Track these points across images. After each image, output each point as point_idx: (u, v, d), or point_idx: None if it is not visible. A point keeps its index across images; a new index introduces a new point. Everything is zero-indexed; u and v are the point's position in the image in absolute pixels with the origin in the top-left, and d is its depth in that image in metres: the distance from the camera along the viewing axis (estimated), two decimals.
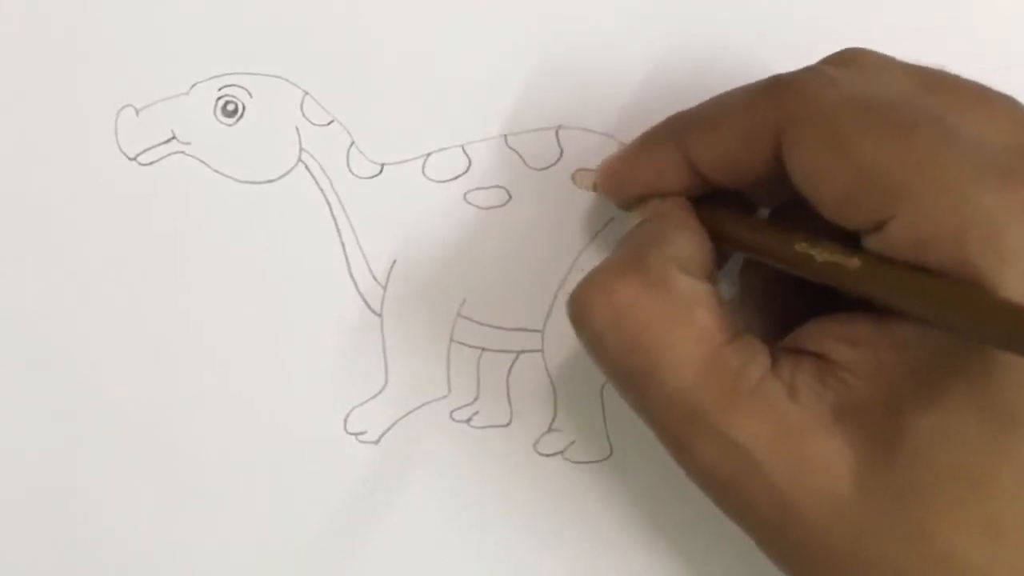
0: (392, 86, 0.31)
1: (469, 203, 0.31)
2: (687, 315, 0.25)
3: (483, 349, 0.31)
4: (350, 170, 0.30)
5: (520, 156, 0.30)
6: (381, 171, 0.31)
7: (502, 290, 0.30)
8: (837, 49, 0.26)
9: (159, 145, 0.30)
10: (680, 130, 0.27)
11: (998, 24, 0.31)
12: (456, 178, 0.31)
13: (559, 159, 0.30)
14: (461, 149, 0.30)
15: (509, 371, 0.31)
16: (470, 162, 0.30)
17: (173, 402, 0.30)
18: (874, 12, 0.30)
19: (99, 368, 0.30)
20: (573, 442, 0.31)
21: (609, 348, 0.25)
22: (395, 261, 0.31)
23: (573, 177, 0.30)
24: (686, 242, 0.26)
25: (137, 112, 0.30)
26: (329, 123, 0.30)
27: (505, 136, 0.30)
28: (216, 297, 0.30)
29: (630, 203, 0.28)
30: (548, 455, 0.31)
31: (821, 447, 0.23)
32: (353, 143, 0.30)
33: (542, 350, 0.31)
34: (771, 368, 0.24)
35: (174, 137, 0.30)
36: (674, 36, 0.30)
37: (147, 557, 0.30)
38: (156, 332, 0.30)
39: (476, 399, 0.31)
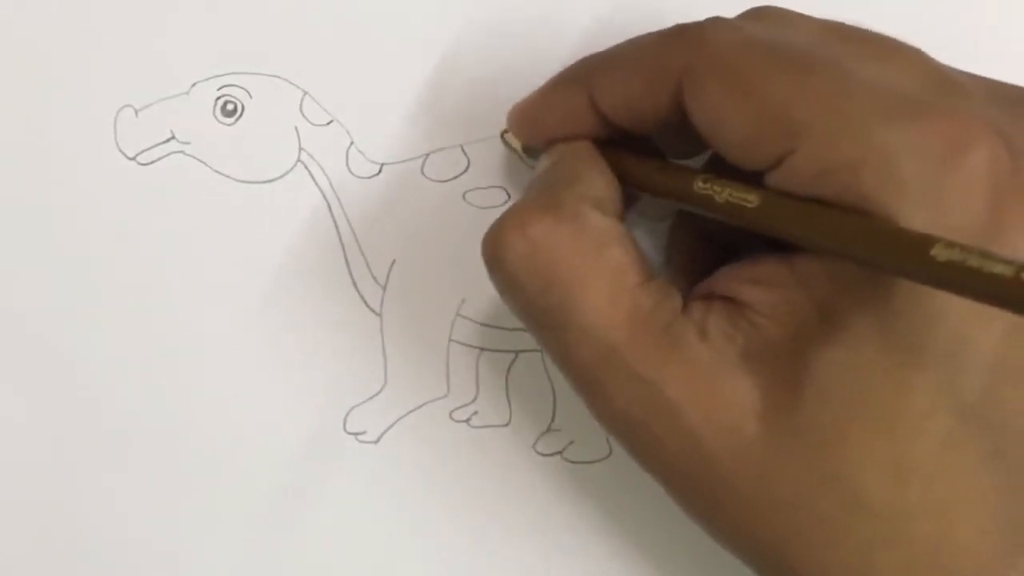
0: (392, 86, 0.31)
1: (468, 203, 0.31)
2: (601, 252, 0.25)
3: (482, 349, 0.31)
4: (349, 170, 0.30)
5: (519, 156, 0.30)
6: (380, 171, 0.31)
7: None
8: None
9: (158, 145, 0.30)
10: (587, 72, 0.27)
11: None
12: (455, 178, 0.31)
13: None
14: (460, 149, 0.31)
15: (508, 371, 0.31)
16: (469, 162, 0.30)
17: (172, 402, 0.30)
18: None
19: (98, 368, 0.30)
20: (572, 442, 0.31)
21: (525, 286, 0.25)
22: (395, 261, 0.31)
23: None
24: (598, 181, 0.26)
25: (136, 112, 0.30)
26: (328, 123, 0.30)
27: (504, 136, 0.30)
28: (215, 297, 0.30)
29: (538, 146, 0.28)
30: (547, 455, 0.31)
31: (730, 388, 0.24)
32: (352, 143, 0.30)
33: (541, 350, 0.31)
34: (683, 311, 0.25)
35: (173, 137, 0.30)
36: None
37: (146, 557, 0.30)
38: (154, 331, 0.30)
39: (475, 399, 0.31)
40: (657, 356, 0.24)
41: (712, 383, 0.24)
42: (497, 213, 0.30)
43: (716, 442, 0.23)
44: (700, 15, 0.26)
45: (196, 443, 0.30)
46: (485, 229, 0.30)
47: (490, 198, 0.31)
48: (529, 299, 0.25)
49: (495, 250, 0.25)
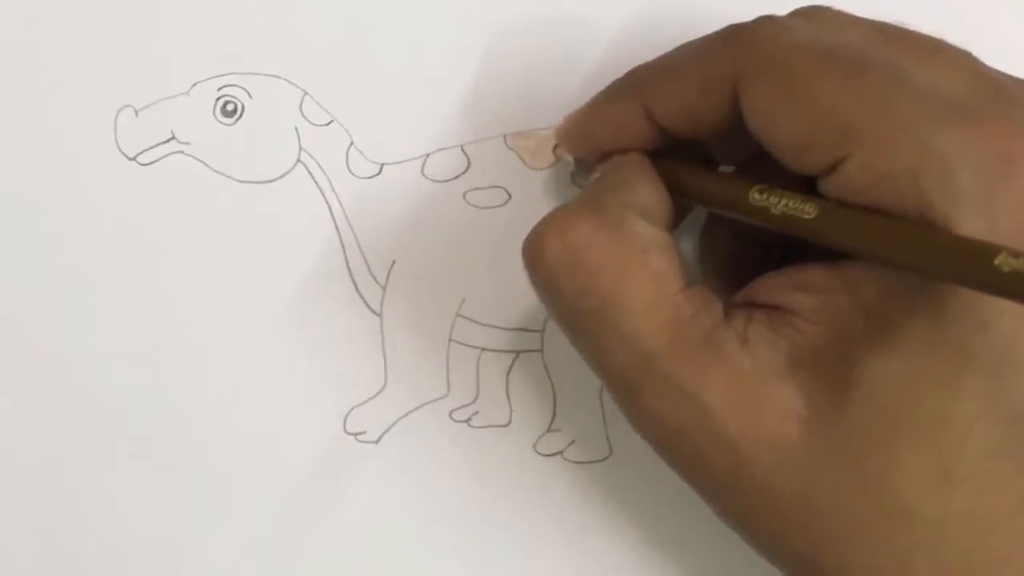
0: (392, 86, 0.31)
1: (468, 203, 0.31)
2: (642, 259, 0.25)
3: (482, 349, 0.31)
4: (349, 170, 0.30)
5: (520, 156, 0.30)
6: (380, 171, 0.31)
7: (502, 290, 0.30)
8: None
9: (158, 145, 0.30)
10: (639, 83, 0.27)
11: None
12: (456, 178, 0.31)
13: (558, 159, 0.30)
14: (460, 149, 0.30)
15: (509, 371, 0.31)
16: (469, 162, 0.30)
17: (172, 402, 0.30)
18: None
19: (98, 368, 0.30)
20: (572, 442, 0.31)
21: (563, 289, 0.25)
22: (395, 261, 0.31)
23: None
24: (645, 190, 0.26)
25: (137, 112, 0.30)
26: (328, 123, 0.30)
27: (505, 136, 0.30)
28: (215, 297, 0.30)
29: (591, 159, 0.28)
30: (548, 455, 0.31)
31: (773, 396, 0.23)
32: (352, 143, 0.30)
33: (542, 350, 0.31)
34: (724, 319, 0.24)
35: (173, 137, 0.30)
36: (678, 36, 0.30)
37: (146, 557, 0.30)
38: (155, 332, 0.30)
39: (476, 399, 0.31)
40: (697, 364, 0.24)
41: (753, 391, 0.23)
42: (497, 213, 0.30)
43: (756, 450, 0.23)
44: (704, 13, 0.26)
45: (194, 443, 0.30)
46: (485, 229, 0.30)
47: (490, 198, 0.31)
48: (567, 303, 0.25)
49: (534, 252, 0.25)
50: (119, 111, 0.30)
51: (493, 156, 0.30)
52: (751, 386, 0.23)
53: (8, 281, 0.30)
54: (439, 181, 0.31)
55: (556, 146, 0.29)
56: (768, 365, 0.24)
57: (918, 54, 0.24)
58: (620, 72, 0.27)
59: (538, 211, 0.30)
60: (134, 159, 0.30)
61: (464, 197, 0.31)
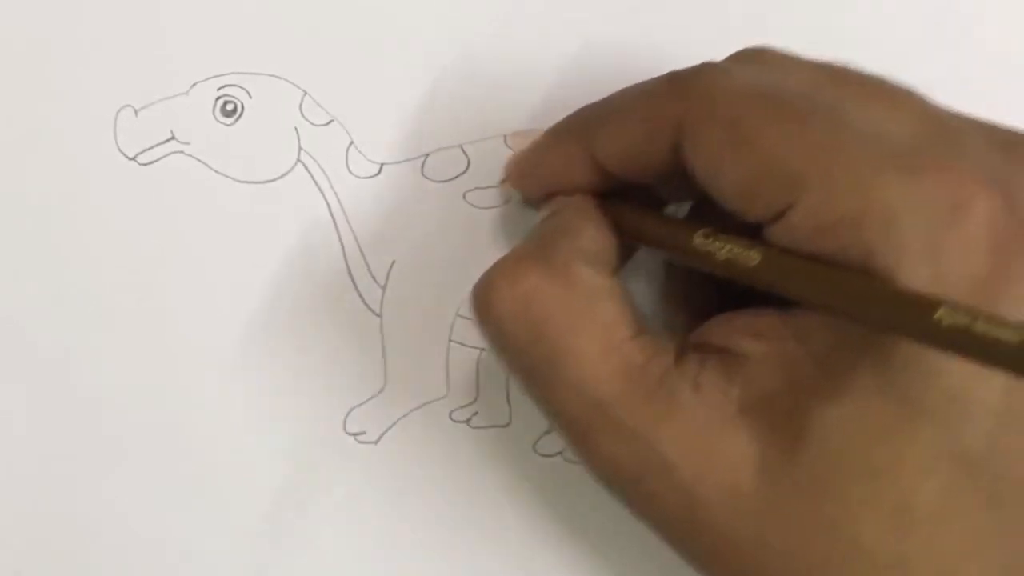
0: (392, 86, 0.31)
1: (468, 203, 0.31)
2: (590, 308, 0.25)
3: (482, 349, 0.31)
4: (349, 170, 0.30)
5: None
6: (380, 171, 0.31)
7: None
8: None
9: (158, 145, 0.30)
10: (583, 125, 0.27)
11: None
12: (455, 178, 0.31)
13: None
14: (460, 149, 0.30)
15: None
16: (469, 162, 0.30)
17: (172, 402, 0.30)
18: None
19: (98, 368, 0.30)
20: None
21: (513, 338, 0.25)
22: (394, 261, 0.31)
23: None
24: (592, 235, 0.26)
25: (136, 112, 0.30)
26: (328, 123, 0.30)
27: (505, 136, 0.30)
28: (215, 297, 0.30)
29: (537, 199, 0.28)
30: (548, 455, 0.31)
31: (726, 442, 0.23)
32: (352, 143, 0.30)
33: None
34: (676, 364, 0.24)
35: (173, 137, 0.30)
36: (677, 43, 0.30)
37: (145, 557, 0.30)
38: (155, 332, 0.30)
39: (475, 399, 0.31)
40: (649, 411, 0.24)
41: (706, 438, 0.24)
42: (497, 213, 0.30)
43: (711, 496, 0.23)
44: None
45: (194, 443, 0.30)
46: (485, 229, 0.30)
47: (490, 198, 0.31)
48: (517, 351, 0.25)
49: (484, 301, 0.25)
50: (119, 111, 0.30)
51: (493, 156, 0.30)
52: (704, 433, 0.24)
53: (8, 281, 0.30)
54: (439, 181, 0.31)
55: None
56: (720, 412, 0.24)
57: (863, 95, 0.24)
58: (621, 75, 0.27)
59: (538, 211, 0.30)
60: (134, 159, 0.30)
61: (464, 197, 0.31)
